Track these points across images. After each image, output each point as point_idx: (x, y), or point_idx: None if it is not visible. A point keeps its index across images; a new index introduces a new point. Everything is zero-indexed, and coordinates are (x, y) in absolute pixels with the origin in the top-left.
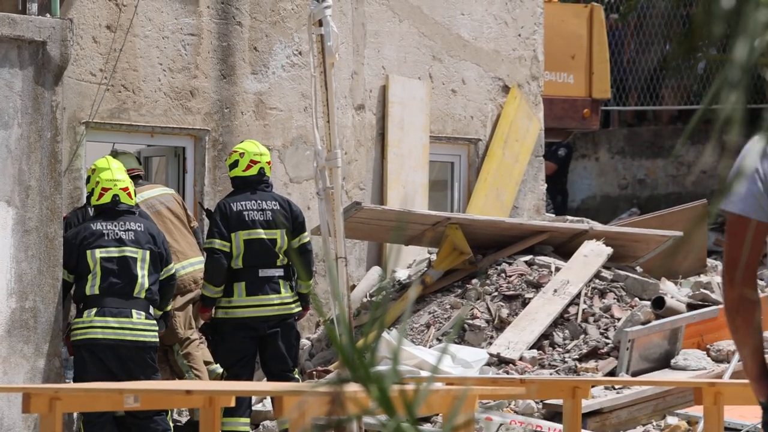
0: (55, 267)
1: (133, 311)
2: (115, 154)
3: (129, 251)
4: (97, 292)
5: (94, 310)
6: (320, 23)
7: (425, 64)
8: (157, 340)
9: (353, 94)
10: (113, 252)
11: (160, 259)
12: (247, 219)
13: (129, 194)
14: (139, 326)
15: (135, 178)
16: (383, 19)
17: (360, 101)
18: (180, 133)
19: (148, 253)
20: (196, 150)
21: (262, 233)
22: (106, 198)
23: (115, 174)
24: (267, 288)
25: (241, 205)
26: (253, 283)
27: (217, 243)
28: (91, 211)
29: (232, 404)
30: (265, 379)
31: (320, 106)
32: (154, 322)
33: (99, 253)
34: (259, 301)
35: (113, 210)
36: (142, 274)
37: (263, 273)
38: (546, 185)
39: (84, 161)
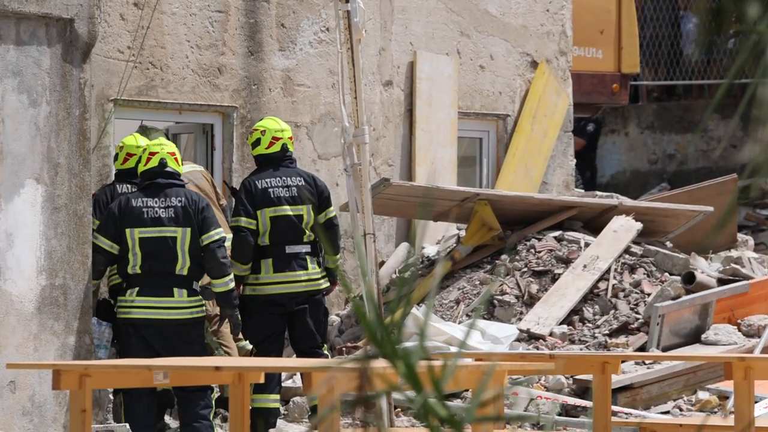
0: (84, 244)
1: (175, 290)
2: (143, 130)
3: (169, 231)
4: (138, 271)
5: (136, 290)
6: None
7: (453, 39)
8: (202, 314)
9: (381, 70)
10: (153, 232)
11: (200, 230)
12: (272, 196)
13: (176, 160)
14: (182, 304)
15: None
16: None
17: (388, 77)
18: (208, 110)
19: (188, 230)
20: (224, 127)
21: (288, 209)
22: (154, 162)
23: (161, 140)
24: (294, 264)
25: (266, 182)
26: (280, 259)
27: (243, 221)
28: (120, 188)
29: (262, 380)
30: (294, 355)
31: (347, 83)
32: (198, 297)
33: (138, 233)
34: (286, 277)
35: (157, 184)
36: (183, 251)
37: (290, 249)
38: (575, 161)
39: (112, 138)
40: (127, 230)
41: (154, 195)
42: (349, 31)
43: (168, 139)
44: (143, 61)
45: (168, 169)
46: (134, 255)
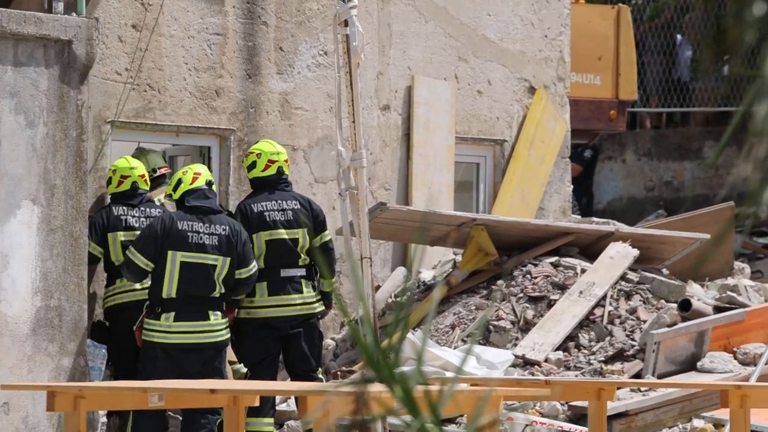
0: (79, 266)
1: (210, 313)
2: (141, 151)
3: (211, 259)
4: (174, 295)
5: (173, 315)
6: (346, 23)
7: (451, 64)
8: (229, 336)
9: (379, 94)
10: (195, 258)
11: (239, 262)
12: (268, 219)
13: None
14: (216, 327)
15: (162, 177)
16: (409, 20)
17: (385, 101)
18: (205, 133)
19: (228, 260)
20: (222, 150)
21: (283, 233)
22: (200, 182)
23: (200, 167)
24: (289, 288)
25: (262, 206)
26: (275, 283)
27: None
28: (116, 210)
29: (257, 404)
30: (289, 379)
31: (344, 107)
32: (226, 319)
33: (180, 257)
34: (281, 301)
35: (200, 208)
36: (220, 280)
37: (285, 273)
38: (572, 187)
39: (109, 160)
40: (169, 252)
41: (200, 220)
42: (348, 55)
43: (165, 161)
44: (141, 83)
45: (209, 198)
46: (171, 278)
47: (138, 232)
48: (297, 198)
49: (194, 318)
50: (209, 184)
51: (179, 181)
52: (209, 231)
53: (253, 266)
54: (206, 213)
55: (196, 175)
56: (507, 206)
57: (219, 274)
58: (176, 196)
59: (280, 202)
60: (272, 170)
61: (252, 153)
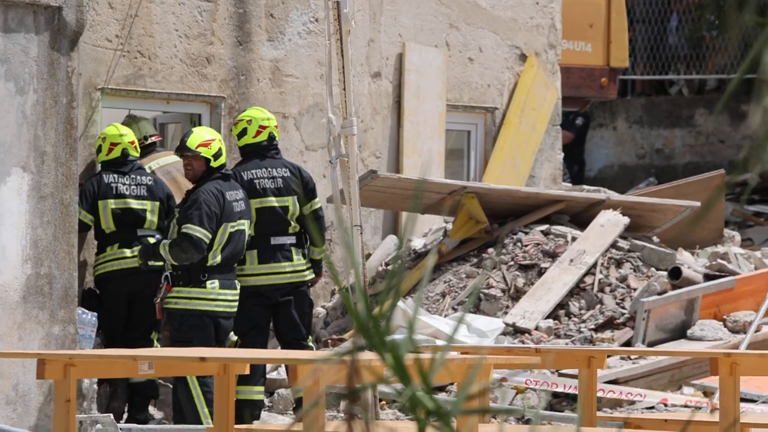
0: (70, 233)
1: (236, 282)
2: (131, 118)
3: (243, 224)
4: (218, 262)
5: (217, 283)
6: None
7: (442, 32)
8: None
9: (369, 61)
10: (236, 226)
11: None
12: (258, 187)
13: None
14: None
15: (152, 145)
16: None
17: (376, 69)
18: (196, 100)
19: (249, 222)
20: (212, 117)
21: (273, 201)
22: (263, 136)
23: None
24: (279, 256)
25: (252, 173)
26: (265, 251)
27: None
28: (107, 177)
29: (247, 372)
30: (279, 347)
31: (335, 74)
32: None
33: (230, 227)
34: (271, 269)
35: (228, 176)
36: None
37: (275, 241)
38: (563, 154)
39: (99, 127)
40: (224, 224)
41: (231, 188)
42: (338, 22)
43: (155, 128)
44: (131, 50)
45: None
46: (220, 245)
47: (129, 200)
48: (287, 165)
49: (230, 286)
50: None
51: (219, 151)
52: (239, 197)
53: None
54: (229, 178)
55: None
56: (498, 174)
57: (247, 237)
58: (216, 163)
59: (270, 169)
60: (263, 136)
61: (242, 120)
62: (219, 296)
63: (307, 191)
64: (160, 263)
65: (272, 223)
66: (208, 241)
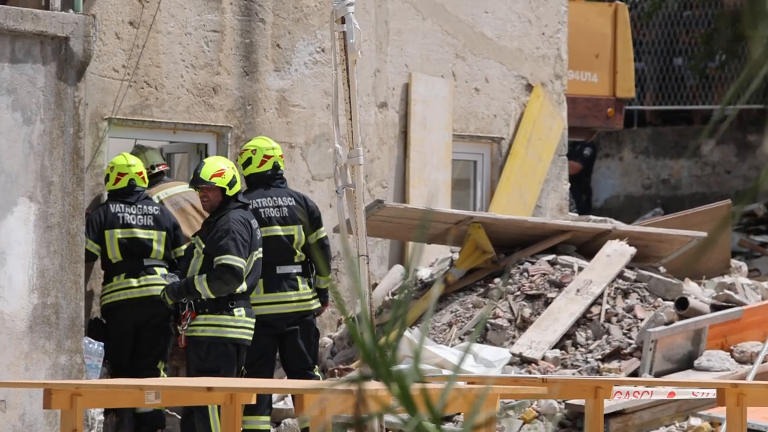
0: (76, 263)
1: (252, 309)
2: (138, 149)
3: (260, 253)
4: (245, 289)
5: (243, 311)
6: (343, 20)
7: (448, 62)
8: None
9: (376, 91)
10: (258, 254)
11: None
12: (263, 216)
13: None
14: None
15: (160, 174)
16: (406, 17)
17: (383, 99)
18: (202, 130)
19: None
20: (219, 147)
21: (278, 230)
22: (268, 165)
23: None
24: (285, 285)
25: (257, 202)
26: (271, 280)
27: None
28: (113, 207)
29: (253, 401)
30: (286, 377)
31: (341, 104)
32: None
33: (256, 255)
34: (276, 298)
35: (246, 205)
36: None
37: (281, 270)
38: (570, 184)
39: (106, 157)
40: (251, 253)
41: (252, 216)
42: (345, 52)
43: (162, 158)
44: (138, 80)
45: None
46: (247, 275)
47: (135, 230)
48: (292, 194)
49: (252, 314)
50: (276, 165)
51: (233, 179)
52: (256, 226)
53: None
54: (247, 208)
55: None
56: (504, 204)
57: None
58: (231, 192)
59: (275, 198)
60: (268, 166)
61: (247, 150)
62: (246, 324)
63: (313, 220)
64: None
65: (277, 252)
66: (246, 271)
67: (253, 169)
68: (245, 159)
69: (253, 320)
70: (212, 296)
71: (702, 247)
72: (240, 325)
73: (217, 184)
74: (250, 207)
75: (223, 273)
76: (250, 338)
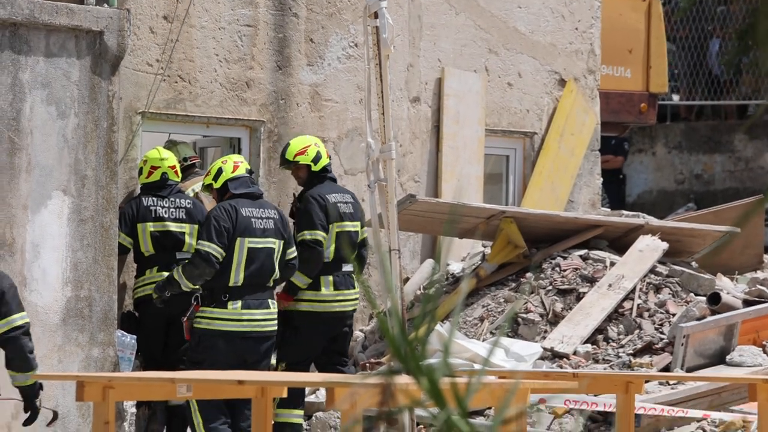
0: (110, 256)
1: (269, 301)
2: (171, 143)
3: (271, 242)
4: (240, 283)
5: (240, 303)
6: (376, 15)
7: (481, 56)
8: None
9: (409, 86)
10: (259, 243)
11: (287, 244)
12: (339, 211)
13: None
14: (274, 316)
15: (192, 167)
16: (439, 12)
17: (415, 93)
18: (235, 124)
19: (282, 243)
20: (252, 141)
21: (349, 226)
22: (240, 170)
23: (239, 156)
24: (348, 282)
25: (333, 197)
26: (338, 276)
27: (320, 234)
28: (146, 201)
29: (285, 395)
30: (316, 370)
31: (374, 99)
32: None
33: (248, 243)
34: (343, 296)
35: (251, 194)
36: (276, 264)
37: (346, 267)
38: (602, 179)
39: (140, 151)
40: (238, 239)
41: (256, 205)
42: (378, 47)
43: (195, 152)
44: (171, 74)
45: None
46: (238, 264)
47: (168, 223)
48: (350, 191)
49: (259, 306)
50: (249, 172)
51: (220, 170)
52: (265, 215)
53: (295, 248)
54: (256, 198)
55: (236, 163)
56: (536, 199)
57: (277, 257)
58: (218, 184)
59: (344, 194)
60: (324, 161)
61: (310, 145)
62: (241, 316)
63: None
64: (180, 290)
65: (346, 248)
66: (219, 256)
67: (323, 163)
68: (314, 154)
69: (263, 311)
70: (189, 284)
71: (726, 241)
72: (233, 317)
73: (301, 162)
74: (330, 201)
75: (193, 257)
76: (251, 329)
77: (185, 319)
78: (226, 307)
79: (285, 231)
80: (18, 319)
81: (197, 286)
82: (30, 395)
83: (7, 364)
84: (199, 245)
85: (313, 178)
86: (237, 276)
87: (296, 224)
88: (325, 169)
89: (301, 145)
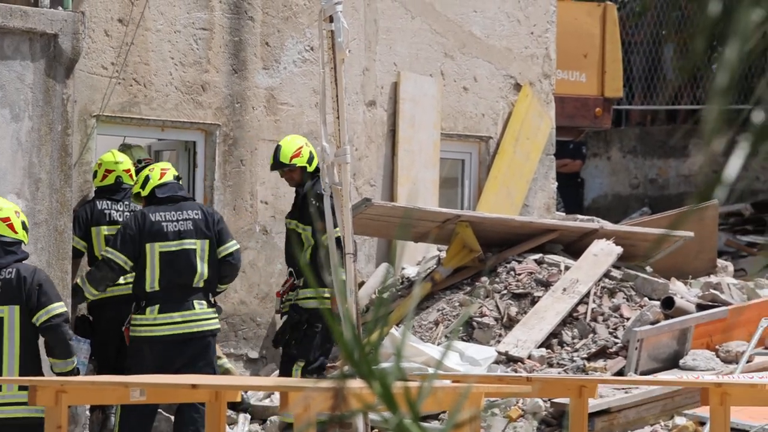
0: (64, 260)
1: (195, 302)
2: (125, 147)
3: (188, 243)
4: (157, 287)
5: (157, 307)
6: (331, 19)
7: (437, 61)
8: (219, 326)
9: (364, 90)
10: (172, 246)
11: (218, 242)
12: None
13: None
14: (202, 316)
15: (147, 167)
16: (395, 16)
17: (371, 97)
18: (191, 128)
19: (207, 242)
20: (207, 144)
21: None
22: (168, 177)
23: (166, 164)
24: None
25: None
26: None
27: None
28: (100, 204)
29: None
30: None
31: (329, 102)
32: (214, 309)
33: (159, 247)
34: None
35: (171, 198)
36: (201, 264)
37: None
38: (560, 184)
39: (94, 154)
40: (147, 245)
41: (170, 209)
42: (333, 50)
43: (149, 155)
44: (127, 77)
45: (179, 192)
46: (152, 270)
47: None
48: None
49: (179, 308)
50: (177, 178)
51: (147, 178)
52: (183, 217)
53: (232, 244)
54: (177, 201)
55: (163, 170)
56: (492, 203)
57: (201, 257)
58: (145, 192)
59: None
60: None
61: (304, 147)
62: (157, 321)
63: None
64: (85, 298)
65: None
66: (122, 263)
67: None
68: (314, 161)
69: (174, 314)
70: (91, 289)
71: (659, 242)
72: (150, 323)
73: (297, 165)
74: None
75: (98, 263)
76: (170, 333)
77: (125, 327)
78: (145, 313)
79: (210, 229)
80: (58, 307)
81: (99, 292)
82: None
83: (48, 352)
84: (104, 252)
85: (308, 178)
86: (152, 281)
87: (313, 222)
88: (317, 168)
89: (294, 147)
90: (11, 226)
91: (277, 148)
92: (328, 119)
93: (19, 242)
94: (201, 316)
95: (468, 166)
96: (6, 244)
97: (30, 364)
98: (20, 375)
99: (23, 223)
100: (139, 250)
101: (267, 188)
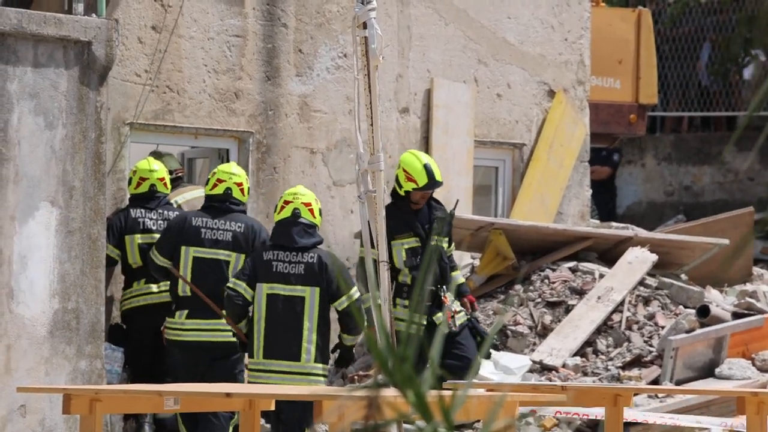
0: (97, 268)
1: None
2: (157, 155)
3: (223, 254)
4: (189, 293)
5: (186, 312)
6: (365, 25)
7: (470, 67)
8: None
9: (398, 97)
10: (207, 253)
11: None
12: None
13: (242, 190)
14: (229, 327)
15: (177, 179)
16: (429, 23)
17: (404, 104)
18: (224, 135)
19: (242, 257)
20: (240, 152)
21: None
22: (219, 189)
23: (231, 168)
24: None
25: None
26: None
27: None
28: (134, 212)
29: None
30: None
31: (363, 109)
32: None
33: (193, 252)
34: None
35: (221, 207)
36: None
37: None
38: (592, 190)
39: (128, 162)
40: (183, 248)
41: (217, 216)
42: (367, 57)
43: (181, 163)
44: (160, 84)
45: (232, 200)
46: (184, 275)
47: (156, 235)
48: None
49: (206, 316)
50: (227, 192)
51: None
52: (224, 227)
53: None
54: (225, 212)
55: (217, 182)
56: (525, 210)
57: (235, 267)
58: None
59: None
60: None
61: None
62: (185, 326)
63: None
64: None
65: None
66: (159, 262)
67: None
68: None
69: (201, 321)
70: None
71: (735, 254)
72: (178, 327)
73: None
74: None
75: (149, 260)
76: (196, 339)
77: (163, 327)
78: (174, 317)
79: (252, 245)
80: (354, 293)
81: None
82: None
83: (343, 329)
84: (151, 251)
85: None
86: (184, 286)
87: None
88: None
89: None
90: (311, 211)
91: (428, 169)
92: (361, 126)
93: (315, 226)
94: (227, 326)
95: (502, 173)
96: (307, 227)
97: (322, 338)
98: (316, 344)
99: (320, 210)
100: (174, 251)
101: None
